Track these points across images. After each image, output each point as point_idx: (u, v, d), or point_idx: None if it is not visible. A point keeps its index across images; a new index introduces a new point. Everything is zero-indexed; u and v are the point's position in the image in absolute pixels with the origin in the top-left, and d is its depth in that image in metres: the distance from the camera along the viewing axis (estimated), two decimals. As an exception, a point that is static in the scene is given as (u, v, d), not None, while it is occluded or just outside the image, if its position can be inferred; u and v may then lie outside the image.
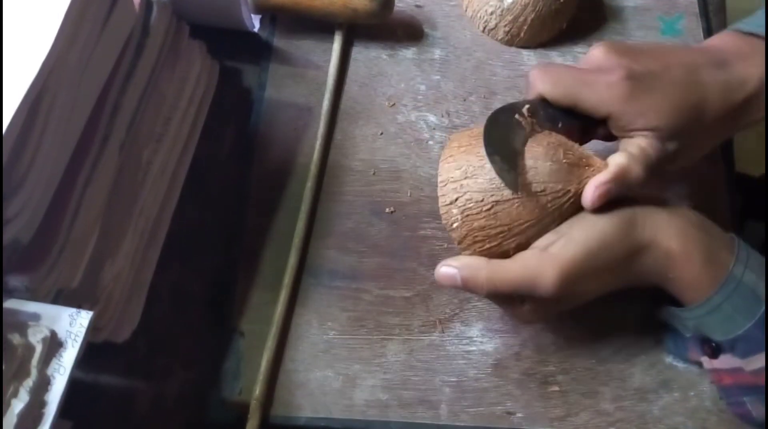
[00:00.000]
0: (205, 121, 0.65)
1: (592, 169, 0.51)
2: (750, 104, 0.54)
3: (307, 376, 0.58)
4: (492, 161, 0.49)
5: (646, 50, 0.55)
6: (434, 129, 0.68)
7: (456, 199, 0.51)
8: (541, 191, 0.50)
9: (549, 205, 0.50)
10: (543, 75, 0.54)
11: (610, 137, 0.56)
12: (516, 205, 0.50)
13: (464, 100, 0.69)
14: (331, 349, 0.59)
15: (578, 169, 0.51)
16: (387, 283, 0.61)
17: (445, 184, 0.51)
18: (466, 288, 0.51)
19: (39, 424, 0.42)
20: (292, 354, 0.59)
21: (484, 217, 0.50)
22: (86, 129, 0.49)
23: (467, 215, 0.50)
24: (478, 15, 0.72)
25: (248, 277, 0.61)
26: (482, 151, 0.50)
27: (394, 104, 0.69)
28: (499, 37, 0.72)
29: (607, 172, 0.51)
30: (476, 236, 0.51)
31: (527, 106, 0.53)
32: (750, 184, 0.97)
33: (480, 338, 0.60)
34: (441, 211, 0.52)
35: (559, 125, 0.54)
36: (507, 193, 0.49)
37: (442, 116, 0.68)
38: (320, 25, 0.71)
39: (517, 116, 0.52)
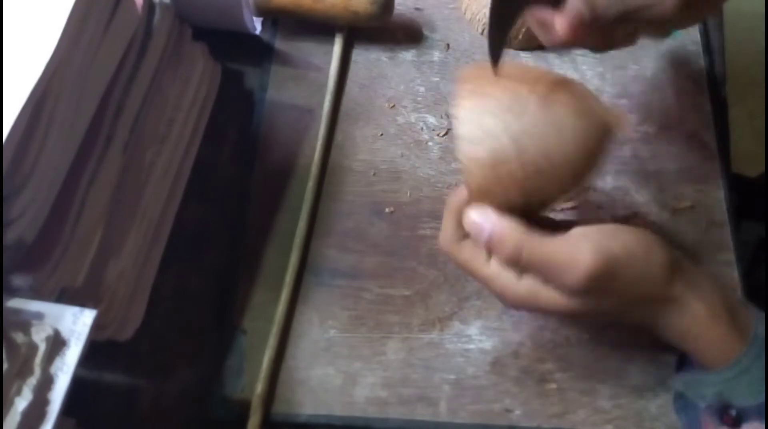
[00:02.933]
0: (208, 122, 0.66)
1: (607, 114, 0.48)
2: None
3: (308, 373, 0.58)
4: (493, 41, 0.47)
5: None
6: (433, 130, 0.68)
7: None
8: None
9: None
10: None
11: None
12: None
13: (463, 102, 0.69)
14: (331, 347, 0.59)
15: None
16: (387, 282, 0.62)
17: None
18: (488, 243, 0.47)
19: (42, 422, 0.42)
20: (293, 352, 0.59)
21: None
22: (90, 130, 0.50)
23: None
24: (477, 18, 0.72)
25: (250, 276, 0.61)
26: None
27: (393, 106, 0.69)
28: (498, 39, 0.72)
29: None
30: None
31: None
32: (747, 184, 0.97)
33: (479, 336, 0.60)
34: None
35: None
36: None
37: (441, 118, 0.69)
38: (321, 28, 0.71)
39: None
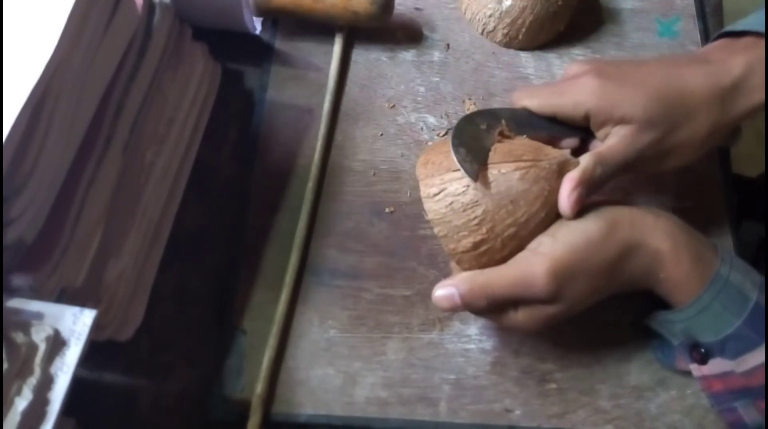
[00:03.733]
0: (208, 122, 0.66)
1: (547, 158, 0.52)
2: (739, 89, 0.54)
3: (308, 373, 0.58)
4: (456, 152, 0.50)
5: (622, 60, 0.56)
6: (433, 130, 0.68)
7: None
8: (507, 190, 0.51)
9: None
10: (522, 92, 0.57)
11: None
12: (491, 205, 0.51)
13: (463, 102, 0.70)
14: (331, 347, 0.59)
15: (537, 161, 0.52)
16: (387, 282, 0.62)
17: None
18: (464, 304, 0.51)
19: (42, 422, 0.42)
20: (293, 352, 0.59)
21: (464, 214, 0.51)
22: (90, 130, 0.50)
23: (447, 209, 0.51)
24: (477, 17, 0.72)
25: (250, 276, 0.61)
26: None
27: (393, 106, 0.69)
28: (498, 40, 0.72)
29: (572, 179, 0.52)
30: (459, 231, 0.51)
31: (508, 112, 0.55)
32: (746, 184, 0.98)
33: (479, 336, 0.60)
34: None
35: (544, 133, 0.55)
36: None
37: (441, 117, 0.69)
38: (321, 28, 0.71)
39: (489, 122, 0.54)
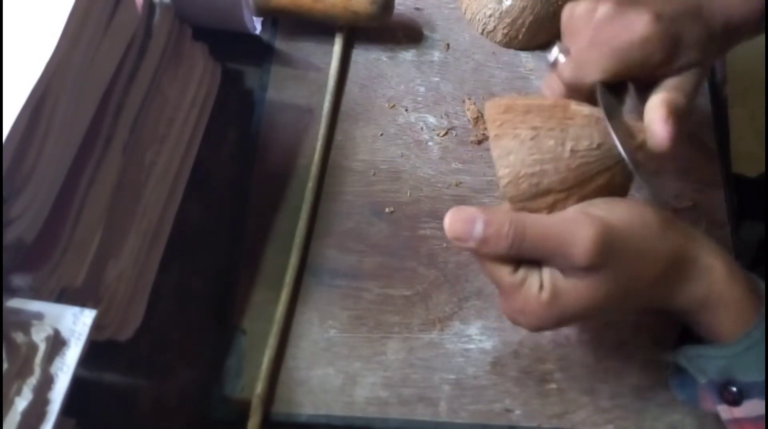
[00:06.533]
0: (208, 122, 0.66)
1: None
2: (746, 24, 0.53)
3: (308, 373, 0.58)
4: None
5: None
6: (433, 130, 0.68)
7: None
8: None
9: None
10: (575, 64, 0.51)
11: None
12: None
13: (463, 102, 0.70)
14: (331, 347, 0.59)
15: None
16: (387, 282, 0.62)
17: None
18: (484, 234, 0.44)
19: (42, 422, 0.42)
20: (293, 352, 0.59)
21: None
22: (89, 130, 0.50)
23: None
24: (477, 17, 0.72)
25: (250, 275, 0.61)
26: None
27: (393, 106, 0.69)
28: (498, 40, 0.72)
29: (662, 104, 0.48)
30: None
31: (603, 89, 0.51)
32: (746, 184, 0.98)
33: (479, 336, 0.60)
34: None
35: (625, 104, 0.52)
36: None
37: (441, 117, 0.69)
38: (321, 28, 0.71)
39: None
